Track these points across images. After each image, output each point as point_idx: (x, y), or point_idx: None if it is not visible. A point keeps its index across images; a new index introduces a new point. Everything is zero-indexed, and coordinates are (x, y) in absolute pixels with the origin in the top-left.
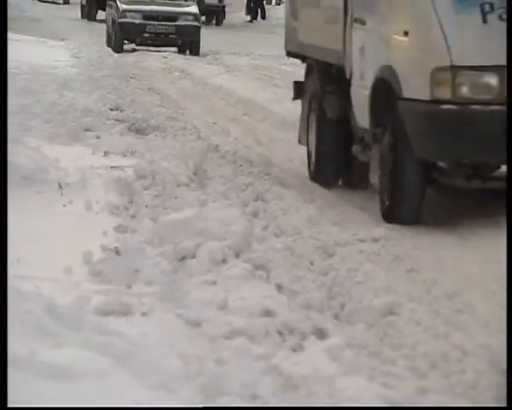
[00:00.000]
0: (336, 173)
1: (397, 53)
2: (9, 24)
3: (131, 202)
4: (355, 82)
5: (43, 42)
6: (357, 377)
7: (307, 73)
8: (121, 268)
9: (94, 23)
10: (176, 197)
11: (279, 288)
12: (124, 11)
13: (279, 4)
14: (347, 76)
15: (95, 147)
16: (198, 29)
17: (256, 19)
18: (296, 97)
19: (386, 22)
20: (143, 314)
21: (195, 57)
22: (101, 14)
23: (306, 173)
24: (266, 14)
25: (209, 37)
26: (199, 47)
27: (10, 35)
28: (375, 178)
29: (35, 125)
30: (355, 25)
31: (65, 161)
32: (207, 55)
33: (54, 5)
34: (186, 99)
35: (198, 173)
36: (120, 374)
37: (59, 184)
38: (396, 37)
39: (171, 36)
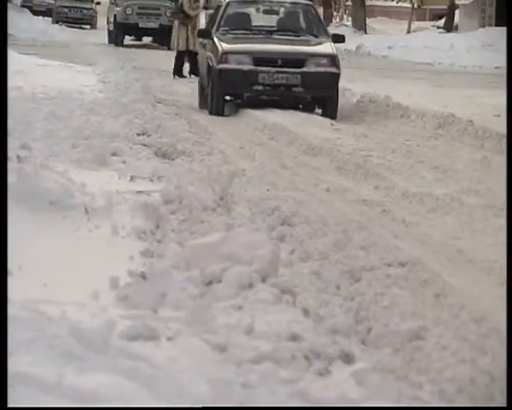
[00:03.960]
0: None
1: None
2: (38, 49)
3: (158, 227)
4: None
5: (70, 67)
6: (383, 402)
7: None
8: (148, 293)
9: (121, 48)
10: (202, 222)
11: (305, 312)
12: (225, 53)
13: None
14: None
15: (121, 171)
16: (336, 79)
17: None
18: None
19: None
20: (170, 339)
21: None
22: (128, 40)
23: (329, 198)
24: None
25: None
26: (337, 105)
27: (38, 60)
28: None
29: (62, 149)
30: None
31: (91, 186)
32: None
33: (81, 30)
34: (213, 124)
35: (224, 198)
36: (147, 399)
37: (85, 208)
38: None
39: (295, 89)
